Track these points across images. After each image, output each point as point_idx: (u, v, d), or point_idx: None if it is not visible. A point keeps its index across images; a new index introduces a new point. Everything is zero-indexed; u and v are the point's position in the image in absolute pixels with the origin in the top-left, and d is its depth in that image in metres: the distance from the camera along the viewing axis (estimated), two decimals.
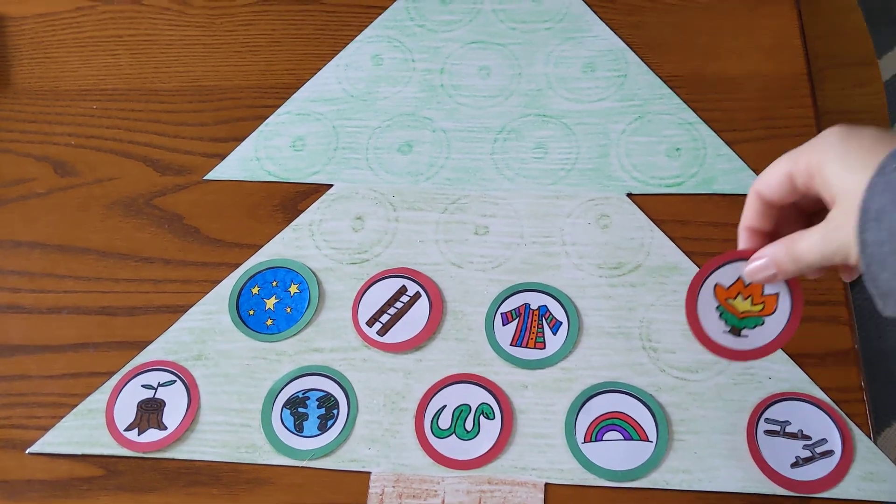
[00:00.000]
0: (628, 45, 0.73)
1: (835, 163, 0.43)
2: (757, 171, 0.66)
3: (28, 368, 0.64)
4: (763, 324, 0.51)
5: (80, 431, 0.61)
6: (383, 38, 0.76)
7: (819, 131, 0.67)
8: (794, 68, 0.70)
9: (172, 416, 0.61)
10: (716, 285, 0.51)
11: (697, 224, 0.64)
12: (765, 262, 0.48)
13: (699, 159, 0.67)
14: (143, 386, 0.62)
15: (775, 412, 0.57)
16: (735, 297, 0.51)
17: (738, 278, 0.51)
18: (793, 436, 0.57)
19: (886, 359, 1.39)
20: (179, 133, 0.73)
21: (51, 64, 0.78)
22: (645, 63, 0.72)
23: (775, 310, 0.51)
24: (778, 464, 0.56)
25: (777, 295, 0.51)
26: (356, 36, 0.76)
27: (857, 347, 0.59)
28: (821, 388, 0.58)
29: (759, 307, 0.51)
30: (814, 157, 0.44)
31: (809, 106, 0.68)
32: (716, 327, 0.51)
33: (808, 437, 0.56)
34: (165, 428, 0.60)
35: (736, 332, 0.51)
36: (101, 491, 0.59)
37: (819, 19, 1.14)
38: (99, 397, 0.62)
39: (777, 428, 0.57)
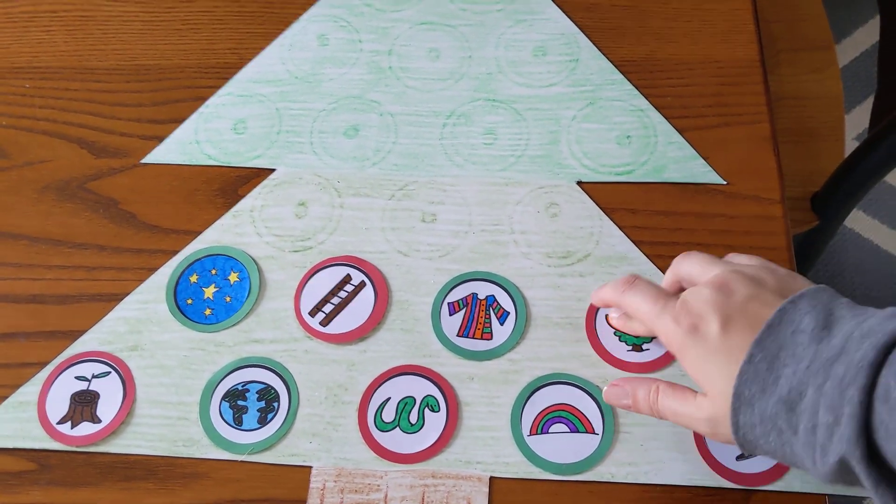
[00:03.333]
0: (580, 29, 0.71)
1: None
2: (708, 159, 0.65)
3: None
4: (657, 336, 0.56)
5: (10, 424, 0.59)
6: (329, 17, 0.73)
7: (771, 118, 0.66)
8: (747, 54, 0.70)
9: (107, 409, 0.59)
10: (606, 315, 0.59)
11: (647, 213, 0.64)
12: (624, 391, 0.53)
13: (650, 147, 0.66)
14: (76, 377, 0.60)
15: None
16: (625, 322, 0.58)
17: None
18: None
19: None
20: (116, 114, 0.70)
21: None
22: (597, 47, 0.70)
23: None
24: (723, 457, 0.56)
25: None
26: (301, 14, 0.74)
27: None
28: None
29: None
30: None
31: (762, 93, 0.68)
32: (619, 349, 0.59)
33: None
34: (99, 421, 0.58)
35: (638, 348, 0.59)
36: (32, 486, 0.57)
37: (777, 3, 1.13)
38: (30, 389, 0.60)
39: None
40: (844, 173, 0.92)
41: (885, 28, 0.94)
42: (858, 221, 1.49)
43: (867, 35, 1.66)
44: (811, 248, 1.02)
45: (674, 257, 0.60)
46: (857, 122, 1.51)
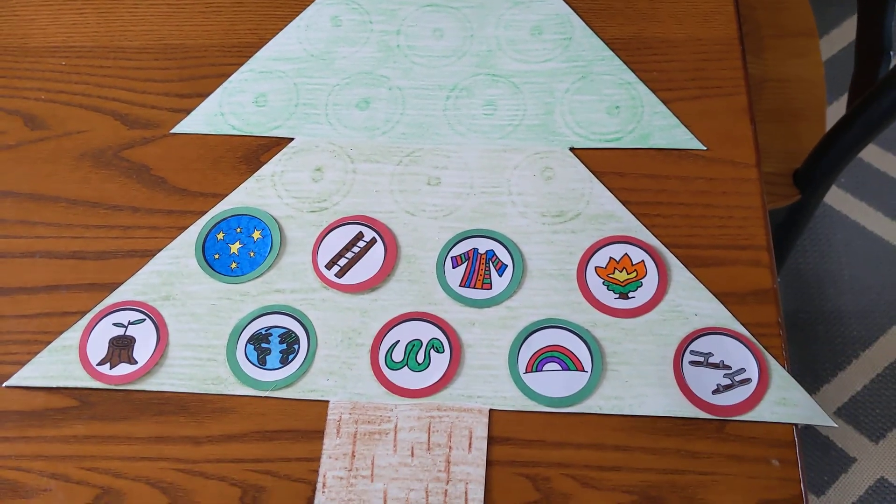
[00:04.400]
0: (574, 10, 0.77)
1: None
2: (690, 127, 0.71)
3: (2, 309, 0.67)
4: (642, 285, 0.64)
5: (55, 366, 0.65)
6: (342, 0, 0.79)
7: (748, 91, 0.72)
8: (727, 33, 0.75)
9: (142, 352, 0.65)
10: (595, 268, 0.65)
11: (634, 176, 0.69)
12: None
13: (637, 116, 0.72)
14: (114, 324, 0.66)
15: (700, 345, 0.63)
16: (613, 272, 0.65)
17: (610, 258, 0.65)
18: (715, 366, 0.62)
19: (825, 321, 1.47)
20: (146, 89, 0.76)
21: (19, 21, 0.81)
22: (589, 27, 0.76)
23: (647, 272, 0.65)
24: (701, 390, 0.61)
25: (643, 261, 0.65)
26: None
27: (776, 287, 0.65)
28: (741, 324, 0.63)
29: (634, 274, 0.65)
30: None
31: (740, 68, 0.74)
32: (608, 297, 0.64)
33: (728, 367, 0.62)
34: (136, 362, 0.64)
35: (624, 296, 0.64)
36: (75, 420, 0.63)
37: None
38: (72, 335, 0.66)
39: (701, 359, 0.62)
40: (824, 150, 0.98)
41: (861, 13, 1.00)
42: (846, 203, 1.55)
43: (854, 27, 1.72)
44: (795, 221, 1.08)
45: (658, 216, 0.67)
46: (842, 109, 1.57)
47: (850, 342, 1.45)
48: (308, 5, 0.79)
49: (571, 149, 0.71)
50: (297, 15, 0.79)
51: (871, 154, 1.59)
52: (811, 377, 1.41)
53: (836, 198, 1.56)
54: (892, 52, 0.92)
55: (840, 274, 1.51)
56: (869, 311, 1.47)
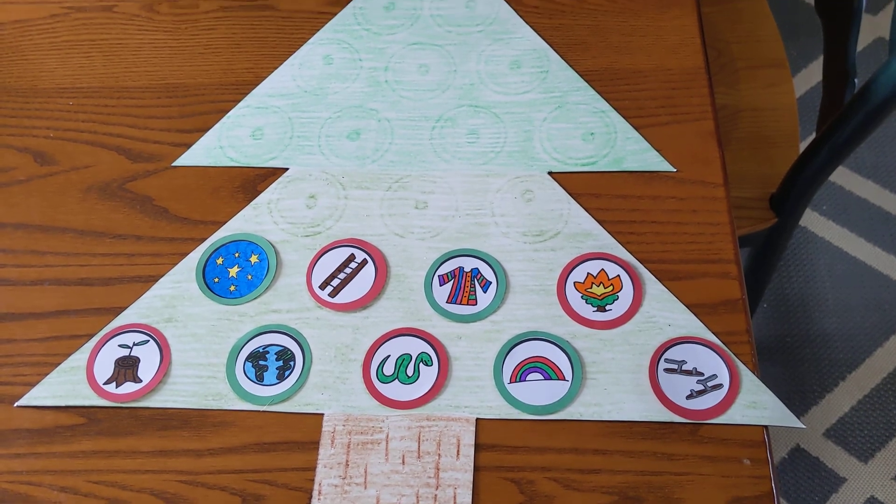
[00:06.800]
0: (550, 45, 0.82)
1: None
2: (660, 151, 0.75)
3: (14, 333, 0.71)
4: (618, 298, 0.68)
5: (63, 386, 0.68)
6: (333, 40, 0.85)
7: (714, 116, 0.77)
8: (694, 63, 0.80)
9: (146, 371, 0.68)
10: (574, 283, 0.69)
11: (609, 197, 0.74)
12: None
13: (610, 142, 0.76)
14: (119, 346, 0.70)
15: (674, 353, 0.67)
16: (591, 287, 0.69)
17: (588, 274, 0.69)
18: (688, 373, 0.66)
19: (811, 344, 1.50)
20: (149, 125, 0.81)
21: (28, 65, 0.86)
22: (564, 60, 0.81)
23: (622, 286, 0.69)
24: (675, 396, 0.65)
25: (619, 276, 0.69)
26: (309, 38, 0.85)
27: (745, 297, 0.69)
28: (713, 333, 0.67)
29: (610, 288, 0.69)
30: None
31: (707, 95, 0.78)
32: (587, 310, 0.68)
33: (701, 374, 0.66)
34: (140, 381, 0.68)
35: (602, 309, 0.68)
36: (83, 436, 0.66)
37: (737, 26, 1.25)
38: (80, 356, 0.69)
39: (675, 366, 0.66)
40: (796, 174, 1.02)
41: (827, 42, 1.05)
42: (828, 229, 1.60)
43: None
44: (774, 243, 1.12)
45: (632, 233, 0.71)
46: None
47: (836, 364, 1.48)
48: (301, 45, 0.84)
49: (550, 173, 0.75)
50: (292, 54, 0.84)
51: (852, 181, 1.64)
52: (799, 399, 1.44)
53: (818, 224, 1.60)
54: (856, 79, 0.97)
55: (824, 298, 1.54)
56: (854, 334, 1.51)
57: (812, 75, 1.75)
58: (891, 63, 0.86)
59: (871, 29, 1.79)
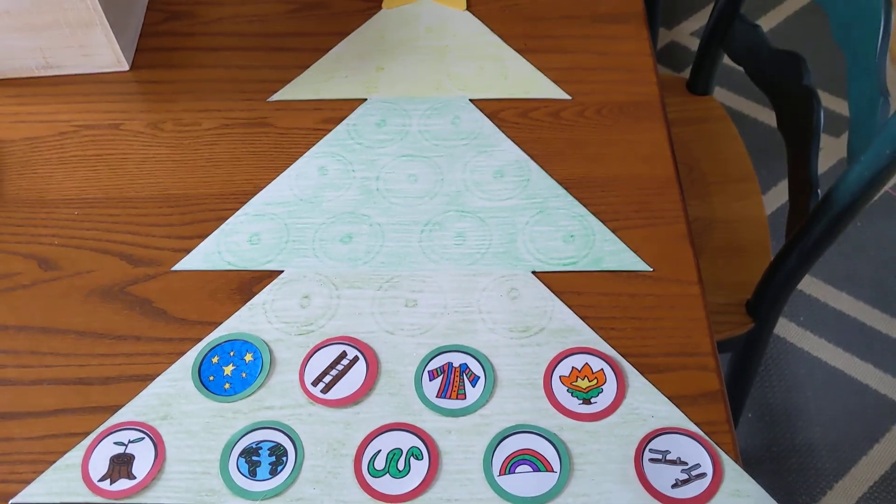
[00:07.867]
0: (530, 156, 0.88)
1: None
2: (637, 251, 0.80)
3: (12, 432, 0.72)
4: (602, 391, 0.71)
5: (58, 483, 0.69)
6: (328, 153, 0.90)
7: (686, 220, 0.82)
8: (665, 172, 0.86)
9: (141, 468, 0.69)
10: (560, 377, 0.72)
11: (590, 294, 0.77)
12: None
13: (589, 243, 0.81)
14: (115, 443, 0.71)
15: (658, 444, 0.69)
16: (576, 380, 0.72)
17: (573, 368, 0.72)
18: (672, 462, 0.68)
19: (797, 453, 1.51)
20: (150, 232, 0.85)
21: (37, 178, 0.90)
22: (544, 169, 0.87)
23: (606, 379, 0.71)
24: (661, 485, 0.66)
25: (602, 370, 0.72)
26: (305, 152, 0.90)
27: (724, 389, 0.71)
28: (694, 423, 0.69)
29: (595, 381, 0.72)
30: None
31: (678, 200, 0.83)
32: (573, 403, 0.71)
33: (685, 463, 0.67)
34: (135, 477, 0.69)
35: (587, 402, 0.71)
36: None
37: (707, 145, 1.33)
38: (75, 454, 0.70)
39: (659, 456, 0.68)
40: (769, 279, 1.07)
41: (791, 156, 1.12)
42: (806, 340, 1.63)
43: None
44: (753, 347, 1.16)
45: (613, 329, 0.74)
46: None
47: (823, 474, 1.49)
48: (298, 158, 0.90)
49: (533, 272, 0.79)
50: (289, 167, 0.89)
51: (826, 293, 1.70)
52: None
53: (796, 334, 1.64)
54: (819, 190, 1.03)
55: (807, 407, 1.56)
56: (839, 443, 1.52)
57: (780, 194, 1.83)
58: (849, 173, 0.92)
59: (834, 151, 1.90)
